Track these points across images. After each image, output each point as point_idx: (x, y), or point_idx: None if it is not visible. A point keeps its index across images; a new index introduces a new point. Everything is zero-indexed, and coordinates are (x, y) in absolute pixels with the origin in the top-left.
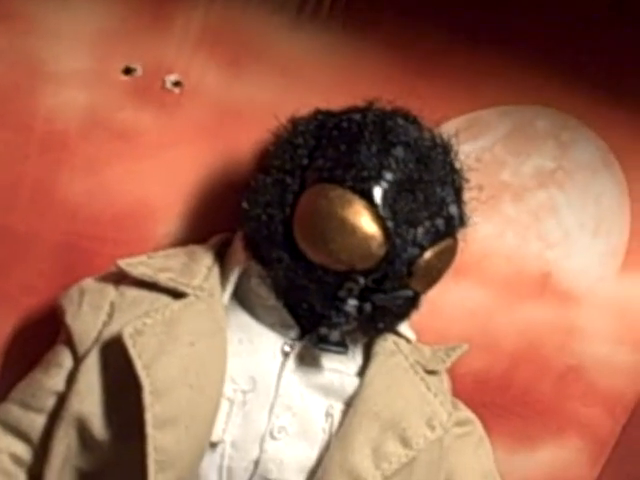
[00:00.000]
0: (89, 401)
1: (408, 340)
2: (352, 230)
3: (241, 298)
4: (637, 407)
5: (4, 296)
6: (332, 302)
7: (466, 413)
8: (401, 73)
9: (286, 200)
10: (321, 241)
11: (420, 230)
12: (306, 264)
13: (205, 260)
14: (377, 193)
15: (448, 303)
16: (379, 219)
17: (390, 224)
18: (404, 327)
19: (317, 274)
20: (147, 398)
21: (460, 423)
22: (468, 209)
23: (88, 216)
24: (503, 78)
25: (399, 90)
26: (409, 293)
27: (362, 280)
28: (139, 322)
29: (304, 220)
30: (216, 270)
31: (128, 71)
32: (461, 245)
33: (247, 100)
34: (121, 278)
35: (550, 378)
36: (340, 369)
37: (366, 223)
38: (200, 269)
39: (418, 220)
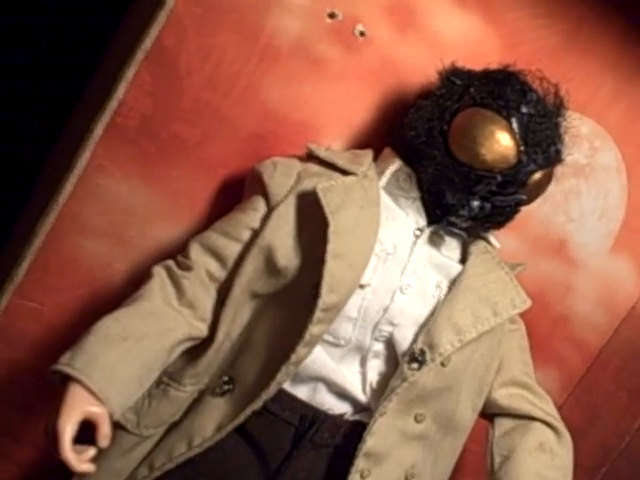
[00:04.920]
0: (279, 235)
1: (493, 247)
2: (498, 139)
3: (387, 191)
4: (599, 355)
5: (204, 167)
6: (466, 195)
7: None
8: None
9: (445, 116)
10: (473, 144)
11: (539, 152)
12: (455, 162)
13: (368, 158)
14: (515, 118)
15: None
16: (515, 137)
17: (522, 142)
18: (492, 238)
19: (463, 170)
20: (331, 234)
21: (512, 321)
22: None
23: (277, 117)
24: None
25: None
26: (523, 197)
27: (499, 177)
28: (327, 183)
29: (461, 129)
30: (374, 167)
31: (332, 15)
32: None
33: (405, 58)
34: (303, 159)
35: (547, 319)
36: (450, 256)
37: (507, 137)
38: (364, 162)
39: (540, 145)
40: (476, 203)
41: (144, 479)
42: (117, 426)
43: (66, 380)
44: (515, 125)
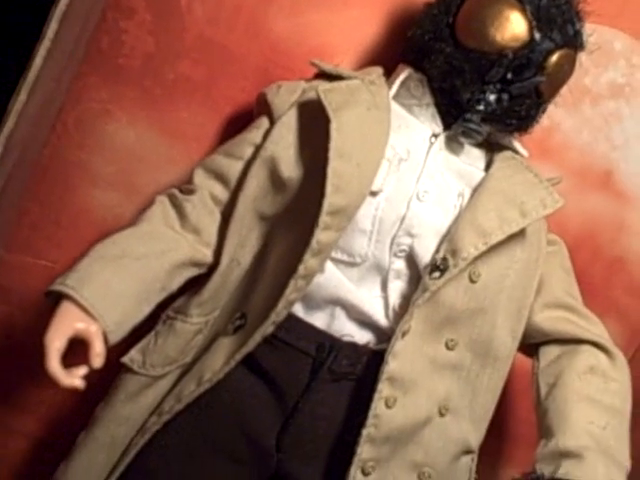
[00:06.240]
0: (282, 145)
1: (522, 156)
2: (507, 16)
3: (399, 102)
4: None
5: (212, 105)
6: (480, 86)
7: (554, 236)
8: None
9: (451, 9)
10: (481, 26)
11: (555, 29)
12: (464, 50)
13: (377, 71)
14: None
15: None
16: (526, 14)
17: (533, 19)
18: (518, 146)
19: (473, 56)
20: (334, 132)
21: (551, 242)
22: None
23: (285, 49)
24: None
25: None
26: (541, 79)
27: (511, 54)
28: (329, 85)
29: (468, 15)
30: (383, 79)
31: None
32: (548, 133)
33: None
34: (310, 80)
35: (601, 265)
36: (471, 162)
37: (517, 14)
38: (372, 73)
39: (554, 21)
40: (492, 96)
41: (153, 425)
42: (123, 370)
43: (59, 300)
44: (526, 2)
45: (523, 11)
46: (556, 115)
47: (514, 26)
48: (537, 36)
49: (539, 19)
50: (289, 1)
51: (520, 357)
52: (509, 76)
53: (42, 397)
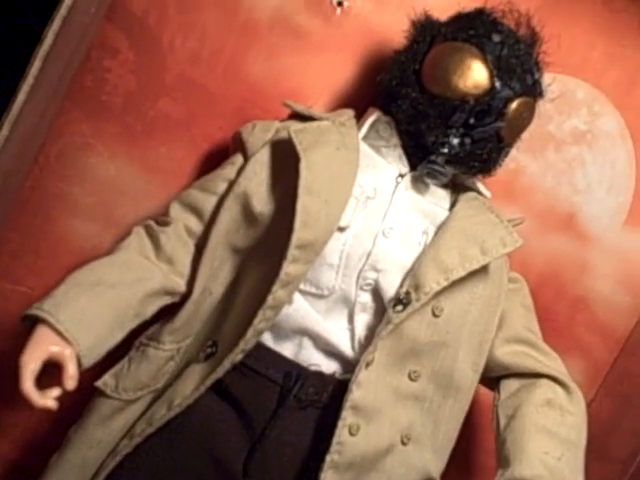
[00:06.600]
0: (255, 181)
1: (485, 197)
2: (469, 65)
3: (368, 143)
4: (627, 341)
5: (190, 142)
6: (444, 130)
7: (516, 274)
8: None
9: (417, 57)
10: (445, 74)
11: (514, 78)
12: (429, 96)
13: (348, 113)
14: (487, 46)
15: None
16: (487, 63)
17: (494, 68)
18: (482, 187)
19: (437, 102)
20: (303, 170)
21: (512, 280)
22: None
23: (262, 90)
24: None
25: None
26: (502, 124)
27: (472, 101)
28: (300, 125)
29: (433, 62)
30: (354, 121)
31: None
32: (514, 177)
33: (386, 25)
34: (282, 120)
35: (564, 303)
36: (436, 202)
37: (479, 63)
38: (343, 115)
39: (514, 70)
40: (455, 139)
41: (124, 448)
42: (96, 394)
43: (35, 324)
44: (487, 52)
45: (484, 61)
46: (522, 159)
47: (476, 74)
48: (497, 84)
49: (499, 68)
50: (268, 45)
51: (485, 392)
52: (471, 121)
53: (16, 420)
